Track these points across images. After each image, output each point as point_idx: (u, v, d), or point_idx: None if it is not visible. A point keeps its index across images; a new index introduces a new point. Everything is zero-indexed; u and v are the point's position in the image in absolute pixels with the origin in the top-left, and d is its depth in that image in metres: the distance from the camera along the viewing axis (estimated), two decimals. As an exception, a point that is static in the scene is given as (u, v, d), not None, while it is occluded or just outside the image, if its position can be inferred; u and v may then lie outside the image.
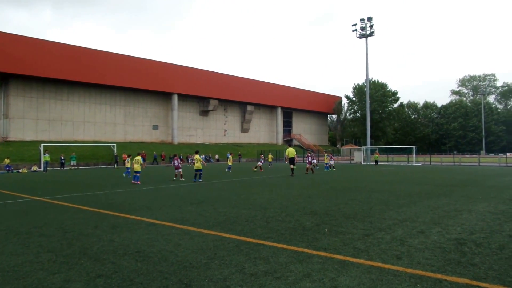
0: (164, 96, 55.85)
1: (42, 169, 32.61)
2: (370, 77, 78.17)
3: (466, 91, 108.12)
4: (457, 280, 4.07)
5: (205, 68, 63.41)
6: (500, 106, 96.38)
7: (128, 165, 22.02)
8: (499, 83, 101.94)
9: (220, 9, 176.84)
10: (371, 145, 48.91)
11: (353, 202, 10.32)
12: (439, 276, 4.22)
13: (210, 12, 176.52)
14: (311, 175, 22.69)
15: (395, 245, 5.62)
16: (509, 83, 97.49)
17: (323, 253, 5.18)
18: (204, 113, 61.40)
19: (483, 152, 73.82)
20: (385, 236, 6.21)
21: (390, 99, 78.49)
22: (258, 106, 68.75)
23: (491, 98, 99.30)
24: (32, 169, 32.46)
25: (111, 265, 4.78)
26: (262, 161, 29.03)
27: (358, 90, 77.73)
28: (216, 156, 50.34)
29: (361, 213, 8.50)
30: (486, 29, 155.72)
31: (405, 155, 47.92)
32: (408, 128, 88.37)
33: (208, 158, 48.00)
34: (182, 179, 18.89)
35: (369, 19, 45.44)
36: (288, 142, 73.02)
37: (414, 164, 39.17)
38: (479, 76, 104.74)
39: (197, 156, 18.63)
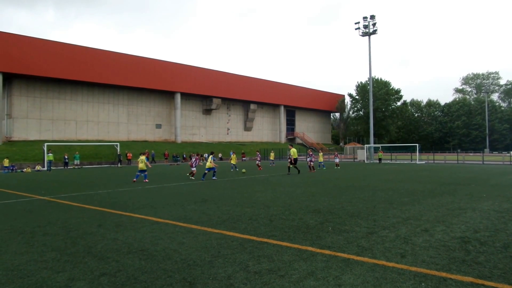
0: (167, 95, 55.91)
1: (45, 168, 32.74)
2: (373, 75, 78.02)
3: (469, 89, 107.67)
4: (462, 279, 4.05)
5: (208, 67, 63.38)
6: (504, 104, 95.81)
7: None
8: (502, 81, 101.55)
9: (224, 7, 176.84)
10: (374, 143, 48.78)
11: (357, 200, 10.30)
12: (443, 274, 4.20)
13: (213, 10, 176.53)
14: (313, 173, 22.70)
15: (399, 243, 5.60)
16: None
17: (327, 251, 5.17)
18: (207, 111, 61.43)
19: (487, 150, 73.57)
20: (389, 234, 6.19)
21: (393, 97, 78.28)
22: (261, 104, 68.70)
23: (494, 96, 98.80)
24: (35, 169, 32.57)
25: (115, 264, 4.79)
26: (259, 159, 28.92)
27: (361, 88, 77.55)
28: (220, 155, 50.35)
29: (365, 211, 8.48)
30: (489, 27, 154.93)
31: (409, 154, 47.79)
32: (412, 126, 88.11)
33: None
34: (192, 178, 19.19)
35: (372, 17, 45.34)
36: (291, 141, 73.10)
37: (417, 163, 39.06)
38: (483, 74, 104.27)
39: (209, 158, 19.66)
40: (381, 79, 77.87)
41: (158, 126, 55.72)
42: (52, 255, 5.28)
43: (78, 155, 36.70)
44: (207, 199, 11.03)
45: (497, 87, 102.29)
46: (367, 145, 47.52)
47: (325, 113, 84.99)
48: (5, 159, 31.91)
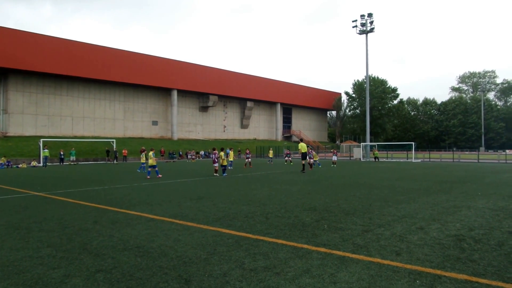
0: (163, 92, 55.75)
1: (41, 164, 32.60)
2: (370, 73, 77.95)
3: (466, 88, 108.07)
4: (456, 276, 4.08)
5: (204, 64, 63.30)
6: (499, 103, 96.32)
7: (143, 160, 22.26)
8: (499, 80, 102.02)
9: (221, 4, 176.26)
10: (370, 141, 48.87)
11: (353, 198, 10.33)
12: (438, 272, 4.23)
13: (210, 7, 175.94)
14: (310, 171, 22.71)
15: (394, 241, 5.63)
16: (509, 80, 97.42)
17: (322, 249, 5.19)
18: (204, 109, 61.33)
19: (482, 148, 73.89)
20: (384, 232, 6.22)
21: (390, 95, 78.43)
22: (257, 102, 68.66)
23: (491, 95, 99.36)
24: (31, 164, 32.44)
25: (111, 260, 4.78)
26: (249, 156, 28.75)
27: (358, 87, 77.66)
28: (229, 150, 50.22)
29: (361, 209, 8.51)
30: (486, 26, 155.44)
31: (405, 152, 47.92)
32: (408, 125, 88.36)
33: (207, 154, 47.97)
34: (216, 174, 19.37)
35: (369, 15, 45.31)
36: (288, 139, 73.14)
37: (413, 161, 39.20)
38: (479, 73, 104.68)
39: (221, 153, 19.77)
40: (377, 77, 77.98)
41: (155, 123, 55.58)
42: (48, 251, 5.26)
43: (74, 151, 36.57)
44: (203, 196, 11.03)
45: (493, 86, 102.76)
46: (363, 143, 47.62)
47: (322, 111, 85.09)
48: (2, 158, 31.76)
